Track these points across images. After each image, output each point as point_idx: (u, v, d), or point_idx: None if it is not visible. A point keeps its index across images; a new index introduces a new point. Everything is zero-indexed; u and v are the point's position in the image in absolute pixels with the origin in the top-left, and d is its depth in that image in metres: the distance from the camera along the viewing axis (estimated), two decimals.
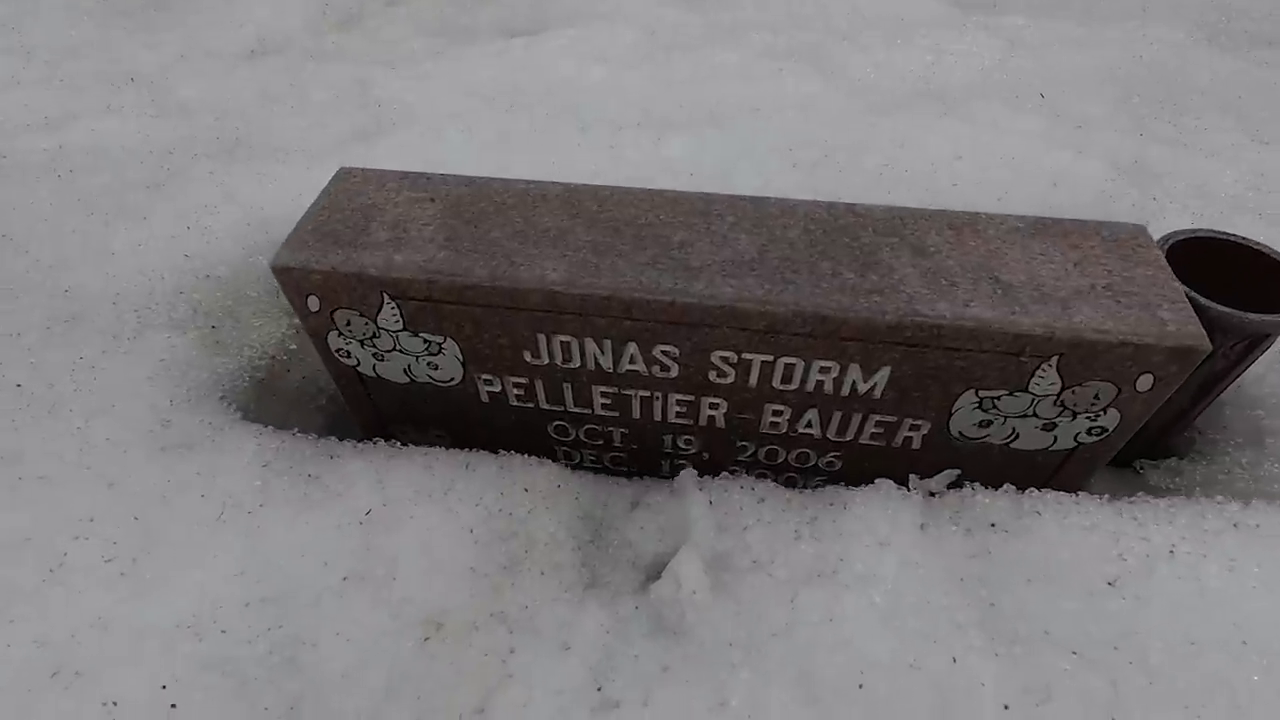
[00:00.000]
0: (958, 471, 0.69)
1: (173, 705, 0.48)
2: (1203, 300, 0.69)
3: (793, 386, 0.71)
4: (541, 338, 0.72)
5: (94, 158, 1.22)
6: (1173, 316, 0.62)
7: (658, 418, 0.79)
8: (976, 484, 0.67)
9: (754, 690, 0.48)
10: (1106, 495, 0.64)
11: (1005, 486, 0.65)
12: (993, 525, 0.59)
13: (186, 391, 0.74)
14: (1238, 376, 0.74)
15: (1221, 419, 0.81)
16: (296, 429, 0.76)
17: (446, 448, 0.78)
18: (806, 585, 0.54)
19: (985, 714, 0.47)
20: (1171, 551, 0.54)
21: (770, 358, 0.69)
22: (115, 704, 0.48)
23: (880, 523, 0.59)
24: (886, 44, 1.66)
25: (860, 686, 0.48)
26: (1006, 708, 0.47)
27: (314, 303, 0.72)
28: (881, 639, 0.50)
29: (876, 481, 0.68)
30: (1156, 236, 0.78)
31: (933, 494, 0.66)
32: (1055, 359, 0.64)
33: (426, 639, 0.51)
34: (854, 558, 0.55)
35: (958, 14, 1.87)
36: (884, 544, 0.56)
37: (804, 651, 0.50)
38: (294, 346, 0.94)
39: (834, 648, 0.50)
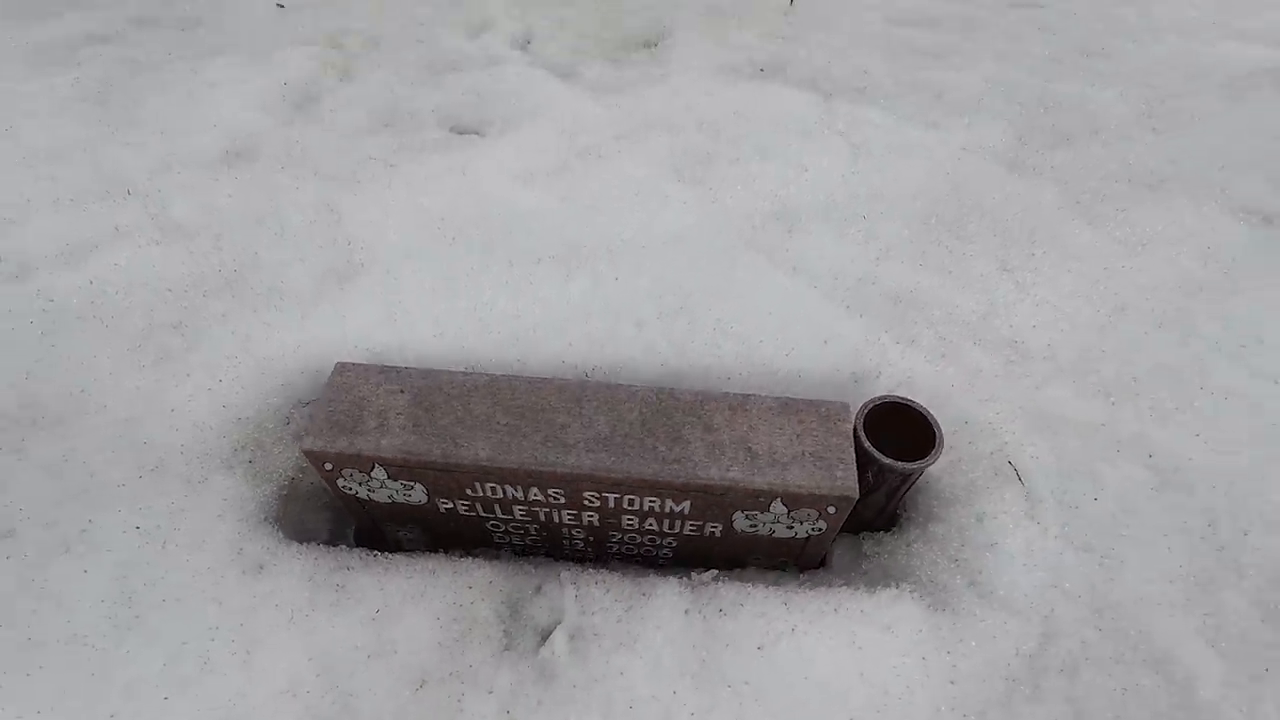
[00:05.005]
0: (715, 571, 1.14)
1: None
2: (875, 453, 1.14)
3: (636, 508, 1.15)
4: (477, 484, 1.13)
5: (123, 297, 1.55)
6: (842, 474, 1.07)
7: (556, 521, 1.22)
8: (725, 577, 1.12)
9: (579, 714, 0.92)
10: (786, 584, 1.10)
11: (738, 580, 1.11)
12: (721, 611, 1.03)
13: (247, 523, 1.13)
14: (909, 489, 1.20)
15: (916, 503, 1.28)
16: (321, 540, 1.17)
17: (407, 547, 1.20)
18: (615, 652, 0.98)
19: None
20: (793, 630, 0.99)
21: (618, 495, 1.12)
22: None
23: (663, 609, 1.03)
24: (761, 154, 2.06)
25: (630, 708, 0.92)
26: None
27: (329, 466, 1.12)
28: (636, 686, 0.95)
29: (669, 578, 1.13)
30: (909, 377, 1.23)
31: (704, 584, 1.11)
32: (780, 498, 1.08)
33: (417, 690, 0.93)
34: (640, 634, 0.99)
35: (821, 113, 2.26)
36: (659, 627, 1.01)
37: (604, 693, 0.94)
38: (304, 465, 1.33)
39: (619, 691, 0.94)
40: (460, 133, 2.24)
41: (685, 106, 2.31)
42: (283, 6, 3.16)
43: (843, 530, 1.30)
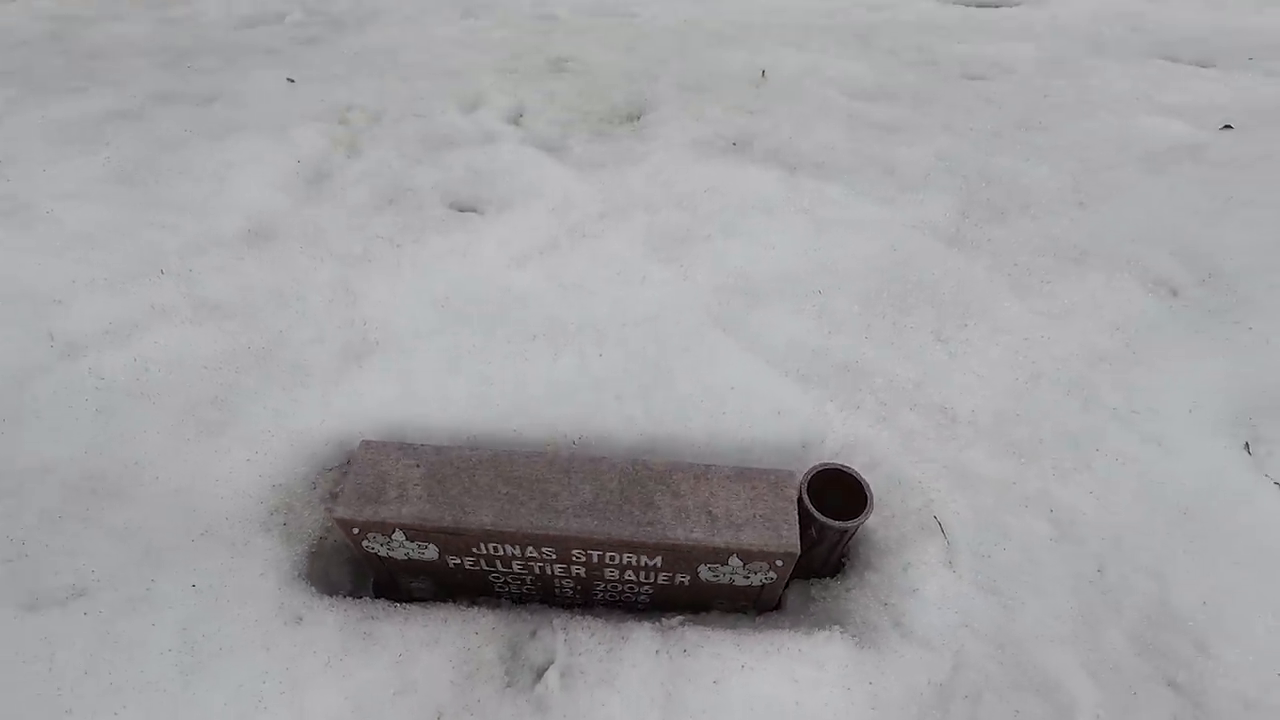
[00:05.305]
0: (681, 616, 1.36)
1: None
2: (815, 512, 1.36)
3: (616, 563, 1.36)
4: (482, 544, 1.34)
5: (165, 374, 1.76)
6: (786, 533, 1.29)
7: (549, 573, 1.43)
8: (690, 622, 1.33)
9: None
10: (741, 627, 1.31)
11: (702, 624, 1.32)
12: (685, 651, 1.24)
13: (284, 580, 1.33)
14: (848, 541, 1.42)
15: (858, 554, 1.50)
16: (344, 591, 1.36)
17: (419, 596, 1.40)
18: (597, 688, 1.18)
19: None
20: (742, 667, 1.20)
21: (601, 552, 1.33)
22: None
23: (636, 650, 1.24)
24: (730, 231, 2.31)
25: None
26: None
27: (355, 531, 1.33)
28: (615, 717, 1.15)
29: (643, 623, 1.34)
30: (851, 441, 1.45)
31: (672, 628, 1.32)
32: (735, 554, 1.30)
33: None
34: (619, 672, 1.20)
35: (787, 189, 2.52)
36: (634, 666, 1.21)
37: None
38: (329, 525, 1.54)
39: None
40: (460, 209, 2.48)
41: (664, 183, 2.57)
42: (293, 81, 3.42)
43: (795, 577, 1.52)
